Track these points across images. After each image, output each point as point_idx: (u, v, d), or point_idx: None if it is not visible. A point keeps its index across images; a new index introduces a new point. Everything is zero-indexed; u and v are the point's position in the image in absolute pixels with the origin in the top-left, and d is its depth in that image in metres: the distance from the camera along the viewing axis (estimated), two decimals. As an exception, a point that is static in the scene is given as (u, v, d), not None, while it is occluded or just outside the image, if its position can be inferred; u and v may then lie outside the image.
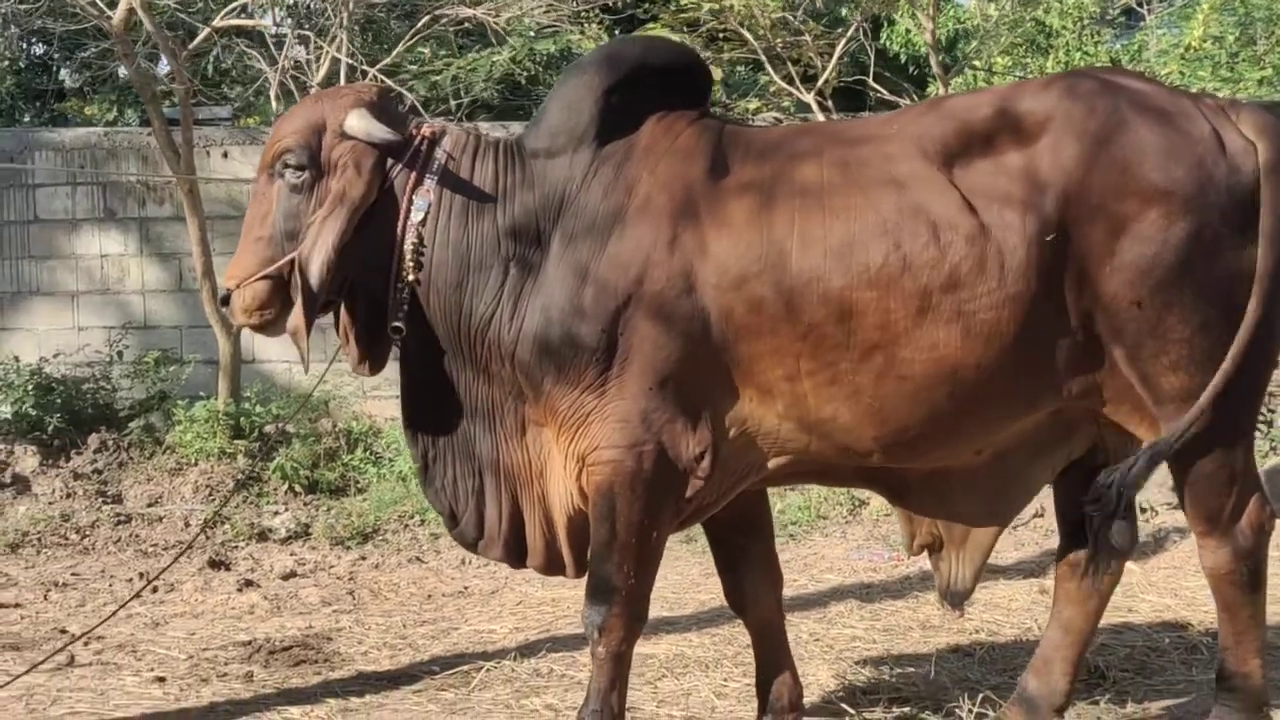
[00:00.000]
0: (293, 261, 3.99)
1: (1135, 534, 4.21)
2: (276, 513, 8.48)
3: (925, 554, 4.27)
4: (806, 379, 3.77)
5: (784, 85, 9.78)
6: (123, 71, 9.83)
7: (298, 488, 8.82)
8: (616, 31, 13.97)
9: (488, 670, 5.27)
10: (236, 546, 7.98)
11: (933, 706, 4.55)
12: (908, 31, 14.06)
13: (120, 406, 9.88)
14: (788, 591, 6.49)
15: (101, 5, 9.07)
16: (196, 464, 8.96)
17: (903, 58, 14.70)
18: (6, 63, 14.42)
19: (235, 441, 9.18)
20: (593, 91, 3.91)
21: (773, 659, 4.38)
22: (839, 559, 7.36)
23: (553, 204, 3.91)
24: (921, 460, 3.98)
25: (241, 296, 4.05)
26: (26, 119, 14.65)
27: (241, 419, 9.31)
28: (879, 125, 4.03)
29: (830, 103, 9.88)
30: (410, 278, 3.96)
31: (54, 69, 14.74)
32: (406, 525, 8.31)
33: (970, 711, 4.40)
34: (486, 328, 3.94)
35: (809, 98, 9.47)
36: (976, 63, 16.50)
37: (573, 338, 3.79)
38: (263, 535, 8.16)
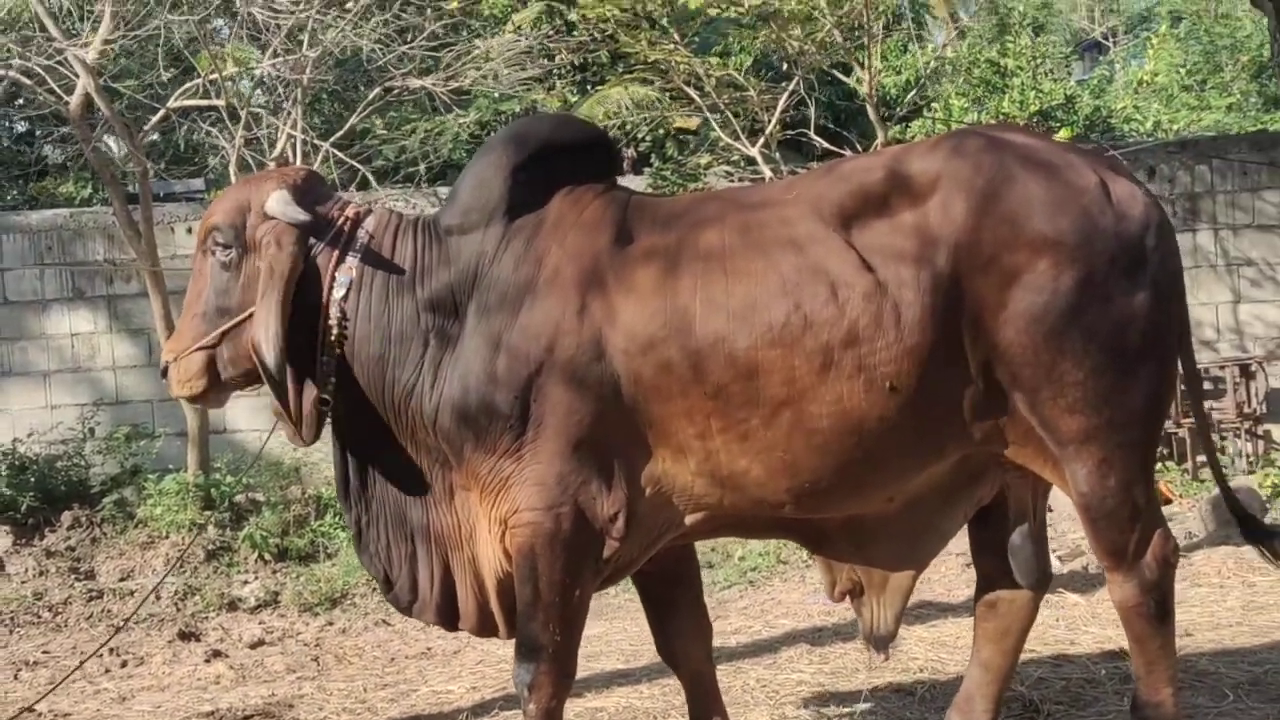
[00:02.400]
0: (223, 334, 4.19)
1: (1046, 568, 4.36)
2: (246, 582, 8.59)
3: (847, 600, 4.40)
4: (718, 436, 3.92)
5: (729, 140, 9.97)
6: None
7: (267, 556, 8.95)
8: (584, 89, 14.22)
9: (442, 731, 5.40)
10: (207, 617, 8.11)
11: (862, 748, 4.67)
12: (879, 72, 14.25)
13: (93, 483, 10.01)
14: (742, 638, 6.69)
15: (59, 91, 9.25)
16: (168, 536, 9.09)
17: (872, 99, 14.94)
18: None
19: (205, 512, 9.31)
20: (501, 170, 4.09)
21: (703, 708, 4.50)
22: (795, 604, 7.49)
23: (467, 278, 4.07)
24: (834, 510, 4.12)
25: (177, 369, 4.28)
26: (9, 196, 14.86)
27: (211, 490, 9.44)
28: (779, 190, 4.20)
29: (777, 155, 10.09)
30: (335, 351, 4.13)
31: (37, 145, 14.91)
32: (374, 589, 8.40)
33: (896, 751, 4.52)
34: (409, 397, 4.10)
35: (754, 151, 9.66)
36: (935, 104, 16.76)
37: (488, 405, 3.95)
38: (233, 605, 8.29)
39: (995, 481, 4.25)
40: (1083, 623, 6.45)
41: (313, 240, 4.17)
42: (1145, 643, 4.10)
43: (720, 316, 3.88)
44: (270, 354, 4.04)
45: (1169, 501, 9.75)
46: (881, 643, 4.37)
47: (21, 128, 15.52)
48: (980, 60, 17.18)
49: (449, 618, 4.30)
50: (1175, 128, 18.48)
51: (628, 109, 11.35)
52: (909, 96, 12.18)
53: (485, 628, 4.28)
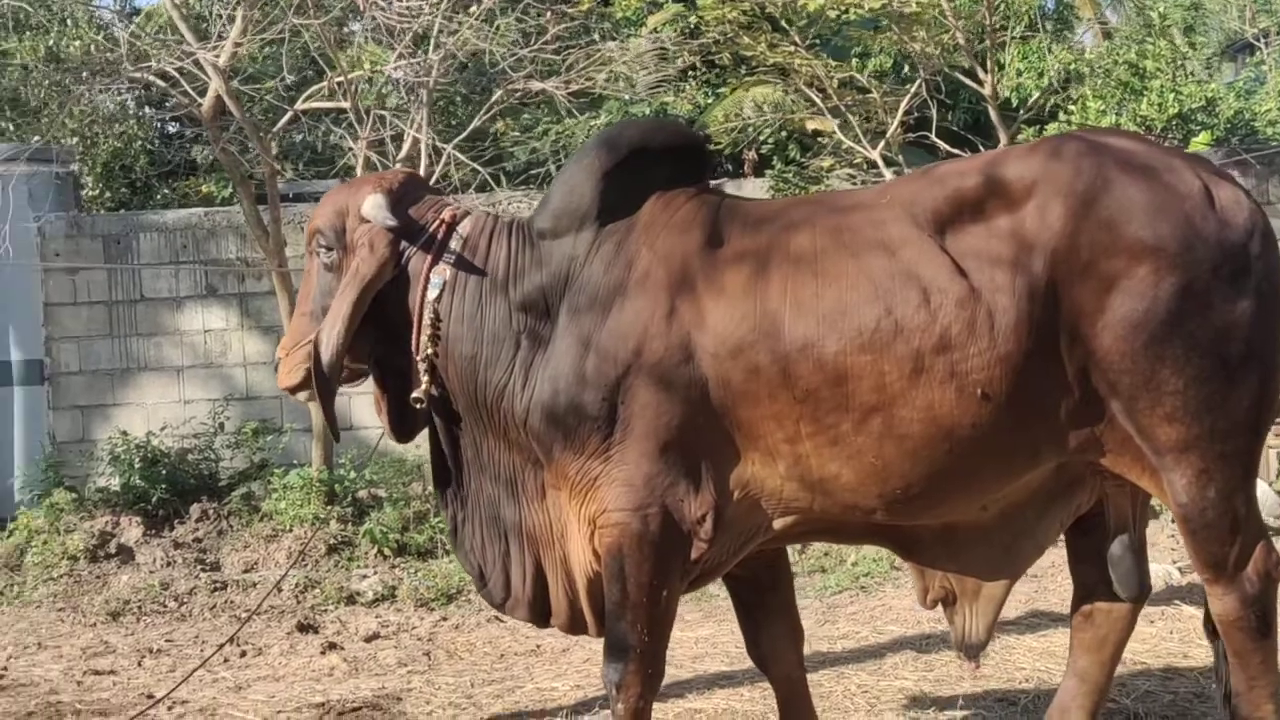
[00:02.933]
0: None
1: (1145, 580, 4.28)
2: (365, 576, 8.74)
3: (940, 607, 4.36)
4: (808, 440, 3.92)
5: (850, 143, 9.92)
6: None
7: (387, 551, 9.09)
8: (714, 91, 14.24)
9: (537, 728, 5.45)
10: (325, 610, 8.26)
11: (956, 757, 4.63)
12: (1019, 74, 14.03)
13: (222, 476, 10.25)
14: (848, 643, 6.66)
15: (193, 94, 9.49)
16: (291, 530, 9.26)
17: (1014, 101, 14.69)
18: (140, 142, 15.01)
19: (328, 507, 9.48)
20: (593, 175, 4.14)
21: (794, 712, 4.50)
22: (905, 610, 7.43)
23: (559, 280, 4.12)
24: (926, 516, 4.10)
25: (286, 364, 4.47)
26: (159, 195, 15.31)
27: (335, 485, 9.62)
28: (873, 194, 4.19)
29: (900, 158, 10.01)
30: (429, 351, 4.21)
31: (187, 147, 15.31)
32: (489, 587, 8.52)
33: (989, 760, 4.48)
34: (501, 397, 4.16)
35: (875, 154, 9.61)
36: (1072, 107, 16.47)
37: (577, 405, 3.99)
38: (351, 599, 8.43)
39: (1094, 490, 4.19)
40: (1197, 636, 6.27)
41: (407, 243, 4.26)
42: (1246, 658, 4.02)
43: (809, 320, 3.87)
44: (327, 353, 4.16)
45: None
46: (973, 651, 4.32)
47: (173, 129, 15.91)
48: (1119, 62, 16.86)
49: (541, 615, 4.36)
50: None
51: (751, 111, 11.34)
52: (1037, 100, 11.97)
53: (575, 625, 4.33)
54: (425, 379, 4.24)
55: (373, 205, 4.23)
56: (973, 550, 4.21)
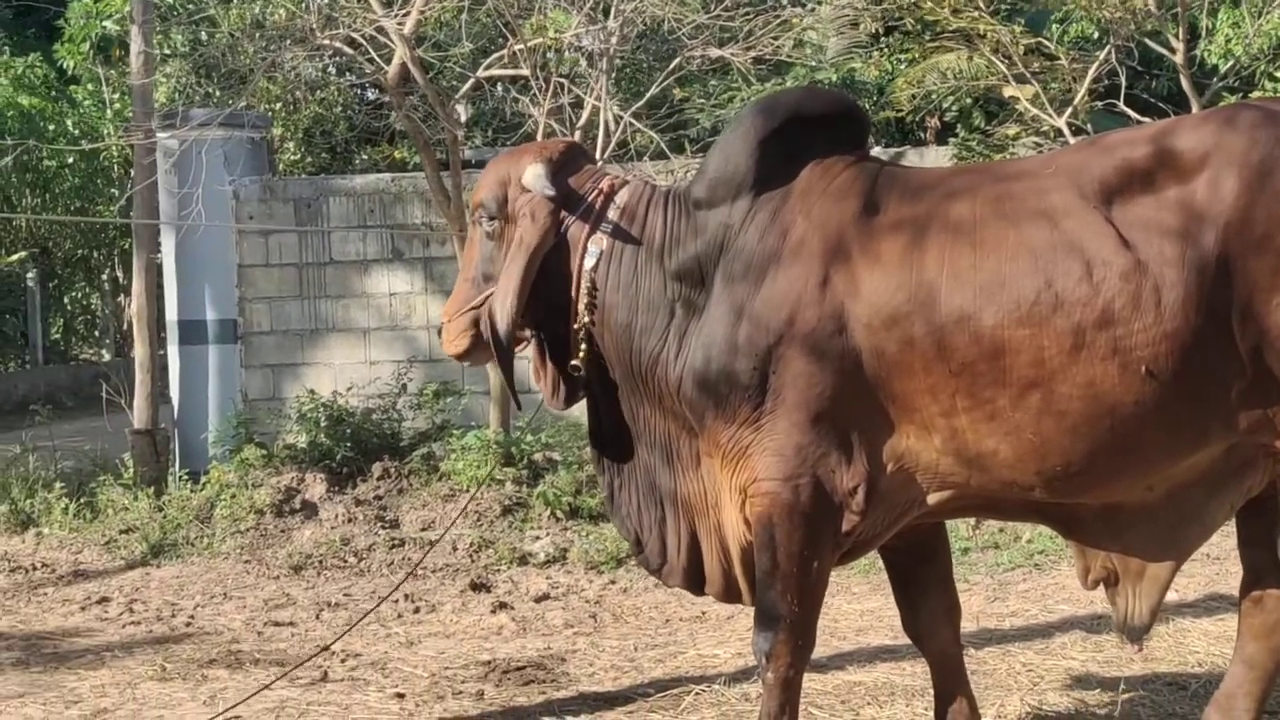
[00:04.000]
0: (487, 298, 4.38)
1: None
2: (538, 538, 8.86)
3: (1102, 588, 4.27)
4: (964, 415, 3.85)
5: (1035, 110, 9.70)
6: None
7: (559, 513, 9.19)
8: (901, 58, 14.05)
9: (698, 694, 5.47)
10: (499, 570, 8.40)
11: (1117, 739, 4.54)
12: (1227, 40, 13.55)
13: (404, 436, 10.46)
14: (1016, 621, 6.56)
15: (380, 61, 9.68)
16: (468, 490, 9.43)
17: (1221, 68, 14.21)
18: (339, 108, 15.40)
19: (505, 469, 9.62)
20: (748, 143, 4.11)
21: (949, 689, 4.44)
22: (1078, 589, 7.20)
23: (714, 249, 4.12)
24: (1088, 495, 4.00)
25: (448, 329, 4.54)
26: (357, 160, 15.70)
27: (511, 447, 9.76)
28: (1039, 163, 4.10)
29: (1088, 126, 9.75)
30: (586, 319, 4.25)
31: (386, 113, 15.69)
32: (657, 551, 8.57)
33: (1148, 746, 4.38)
34: (656, 365, 4.18)
35: (1060, 122, 9.38)
36: (1277, 74, 15.85)
37: (729, 373, 3.99)
38: (523, 559, 8.56)
39: (1266, 472, 4.02)
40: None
41: (566, 212, 4.30)
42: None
43: (967, 291, 3.80)
44: (503, 322, 4.20)
45: None
46: (1135, 634, 4.22)
47: (372, 95, 16.27)
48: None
49: (696, 582, 4.38)
50: None
51: (935, 78, 11.17)
52: (1235, 67, 11.53)
53: (730, 594, 4.33)
54: (583, 347, 4.27)
55: (533, 175, 4.27)
56: (1137, 530, 4.10)
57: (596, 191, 4.33)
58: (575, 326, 4.28)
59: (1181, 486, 4.01)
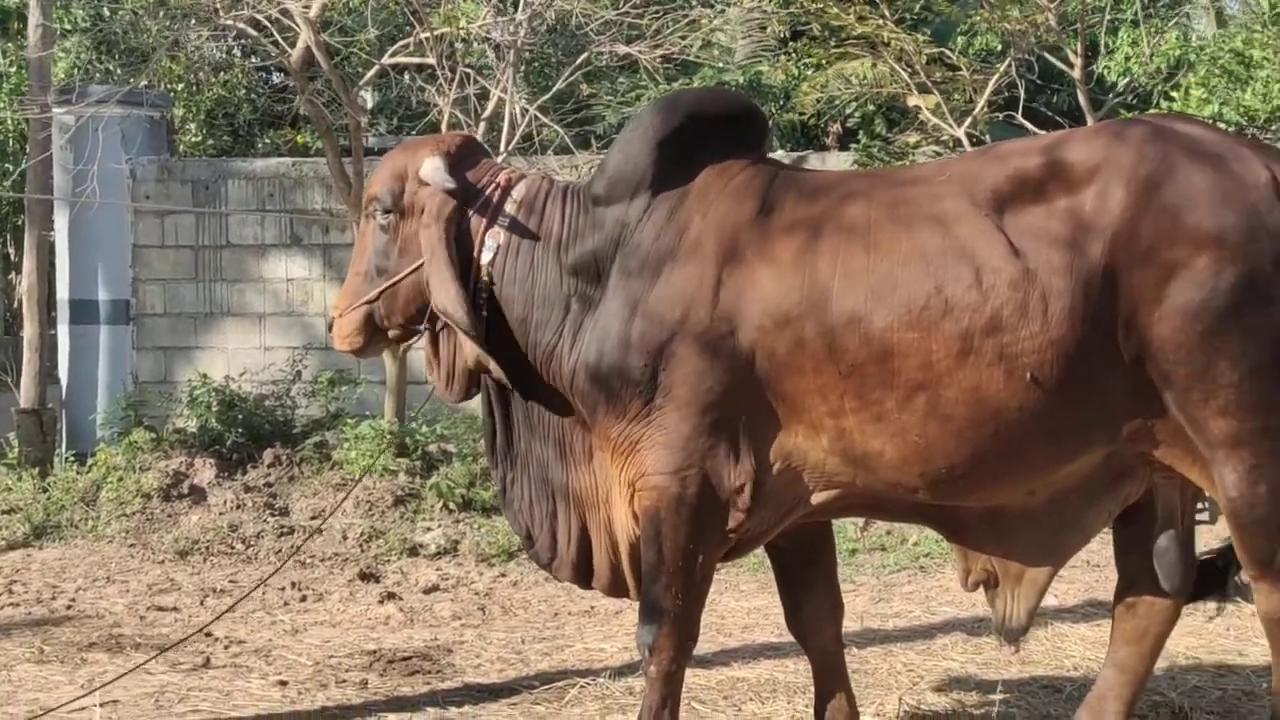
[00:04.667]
0: (381, 293, 4.39)
1: (1190, 574, 4.23)
2: (429, 529, 8.83)
3: (982, 590, 4.34)
4: (851, 416, 3.90)
5: (936, 120, 9.83)
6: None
7: (452, 505, 9.16)
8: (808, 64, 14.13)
9: (582, 687, 5.49)
10: (388, 560, 8.36)
11: (991, 740, 4.62)
12: (1127, 59, 13.76)
13: (297, 424, 10.37)
14: (900, 622, 6.64)
15: (284, 44, 9.59)
16: (360, 480, 9.37)
17: (1119, 86, 14.40)
18: (244, 91, 15.20)
19: (398, 459, 9.57)
20: (648, 142, 4.14)
21: (830, 687, 4.49)
22: (961, 592, 7.33)
23: (611, 245, 4.14)
24: (970, 498, 4.07)
25: (340, 324, 4.50)
26: (259, 145, 15.50)
27: (406, 438, 9.71)
28: (933, 169, 4.16)
29: (986, 137, 9.89)
30: (483, 313, 4.24)
31: (289, 97, 15.51)
32: (550, 545, 8.56)
33: (1022, 746, 4.46)
34: (550, 359, 4.20)
35: (959, 132, 9.51)
36: (1174, 94, 16.16)
37: (621, 368, 4.01)
38: (414, 550, 8.52)
39: (1143, 481, 4.12)
40: (1255, 634, 6.20)
41: (464, 206, 4.30)
42: (1288, 658, 3.97)
43: (858, 294, 3.85)
44: (459, 312, 4.16)
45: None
46: (1013, 635, 4.29)
47: (278, 79, 16.07)
48: (1225, 50, 16.52)
49: (584, 576, 4.40)
50: None
51: (839, 84, 11.26)
52: (1131, 85, 11.76)
53: (617, 588, 4.35)
54: (478, 340, 4.27)
55: (432, 168, 4.26)
56: (1018, 535, 4.17)
57: (494, 185, 4.33)
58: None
59: (1062, 493, 4.09)
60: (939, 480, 3.95)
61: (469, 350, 4.25)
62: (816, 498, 4.07)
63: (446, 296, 4.19)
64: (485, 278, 4.26)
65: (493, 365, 4.23)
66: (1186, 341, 3.74)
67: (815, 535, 4.46)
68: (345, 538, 8.65)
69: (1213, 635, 6.18)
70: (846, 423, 3.90)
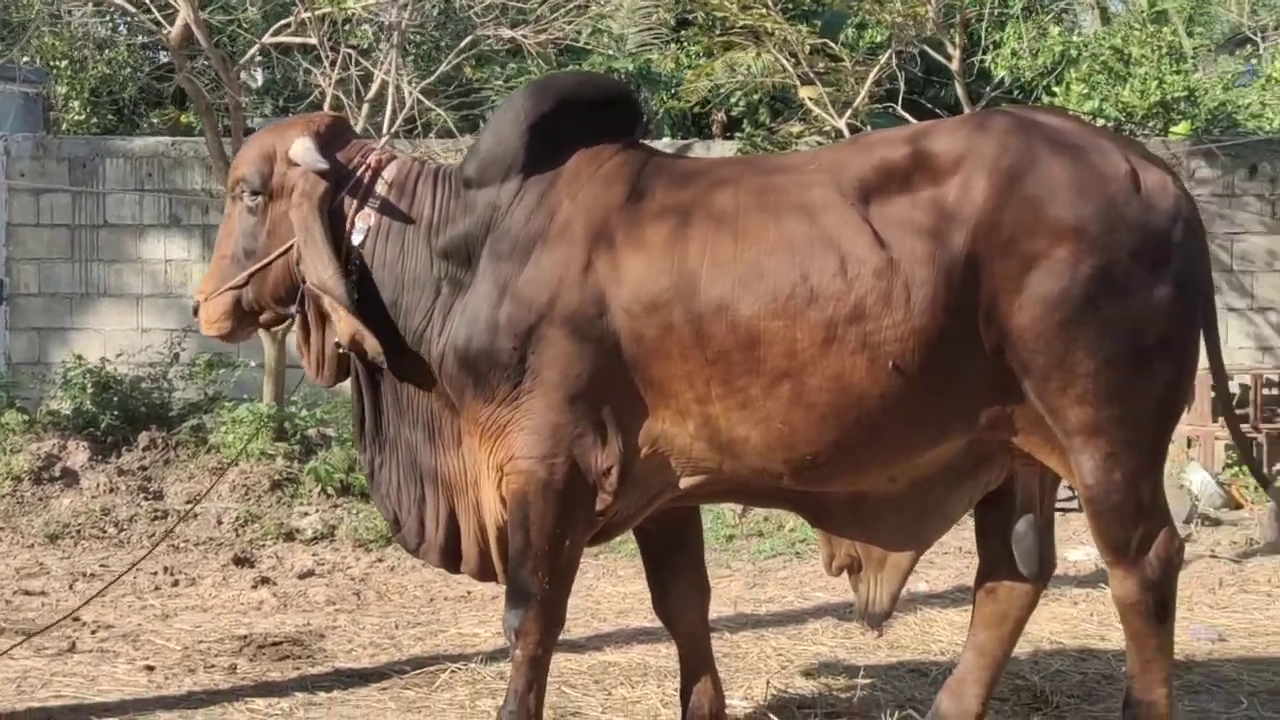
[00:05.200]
0: (249, 276, 4.33)
1: (1049, 559, 4.32)
2: (306, 514, 8.76)
3: (846, 574, 4.39)
4: (718, 402, 3.93)
5: (819, 110, 9.92)
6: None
7: (330, 490, 9.10)
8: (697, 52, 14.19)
9: (453, 671, 5.47)
10: (264, 545, 8.29)
11: (857, 722, 4.68)
12: (1014, 54, 13.95)
13: (173, 406, 10.23)
14: (773, 607, 6.70)
15: (162, 21, 9.44)
16: (236, 464, 9.26)
17: (1006, 80, 14.58)
18: (128, 70, 14.92)
19: (276, 444, 9.48)
20: (519, 125, 4.13)
21: (696, 670, 4.52)
22: (837, 579, 7.45)
23: (481, 228, 4.13)
24: (833, 484, 4.12)
25: (205, 309, 4.43)
26: (144, 124, 15.23)
27: (284, 422, 9.62)
28: (802, 159, 4.22)
29: (868, 128, 10.00)
30: (354, 295, 4.21)
31: (173, 76, 15.25)
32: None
33: (888, 727, 4.52)
34: (420, 342, 4.19)
35: (841, 123, 9.61)
36: (1056, 89, 16.44)
37: (489, 352, 4.01)
38: (290, 535, 8.46)
39: (1004, 468, 4.20)
40: (1117, 620, 6.33)
41: (334, 187, 4.26)
42: (1142, 640, 4.06)
43: (726, 281, 3.88)
44: (337, 287, 4.12)
45: (1239, 506, 9.57)
46: (875, 619, 4.36)
47: (164, 57, 15.81)
48: (1106, 47, 16.82)
49: (452, 560, 4.39)
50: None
51: (723, 74, 11.33)
52: (1013, 80, 11.94)
53: (484, 572, 4.35)
54: (354, 313, 4.24)
55: (303, 148, 4.22)
56: (881, 520, 4.24)
57: (365, 166, 4.30)
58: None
59: (924, 479, 4.15)
60: (803, 466, 3.99)
61: (344, 327, 4.18)
62: (684, 482, 4.10)
63: (323, 271, 4.15)
64: (356, 260, 4.23)
65: (369, 340, 4.16)
66: (1045, 331, 3.82)
67: (682, 520, 4.49)
68: (220, 522, 8.55)
69: (1076, 620, 6.32)
70: (713, 409, 3.94)
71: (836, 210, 3.91)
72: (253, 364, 10.78)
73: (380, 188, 4.27)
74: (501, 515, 4.17)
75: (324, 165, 4.21)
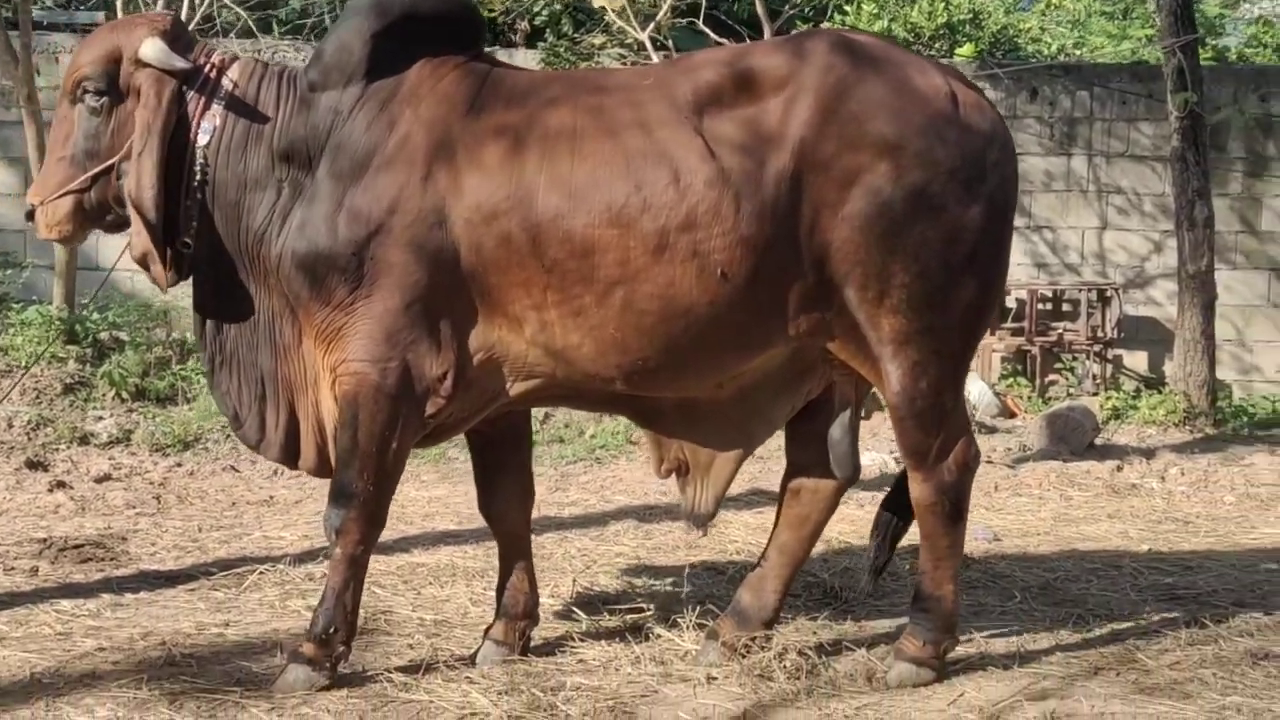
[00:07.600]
0: (93, 178, 4.28)
1: (857, 463, 4.55)
2: (101, 418, 8.62)
3: (674, 477, 4.55)
4: (552, 310, 4.05)
5: (621, 22, 9.98)
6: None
7: (125, 394, 8.97)
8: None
9: (261, 573, 5.50)
10: (57, 449, 8.15)
11: (662, 617, 4.85)
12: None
13: (-43, 309, 9.92)
14: (575, 510, 6.87)
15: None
16: (27, 368, 9.05)
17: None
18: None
19: (68, 347, 9.28)
20: (362, 35, 4.18)
21: (514, 567, 4.63)
22: (634, 482, 7.70)
23: (322, 133, 4.17)
24: (663, 390, 4.28)
25: (44, 213, 4.36)
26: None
27: (76, 325, 9.41)
28: (636, 75, 4.34)
29: (670, 42, 10.12)
30: (198, 195, 4.22)
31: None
32: (229, 435, 8.40)
33: (691, 622, 4.70)
34: (260, 243, 4.21)
35: (643, 36, 9.70)
36: (847, 7, 16.74)
37: (327, 257, 4.07)
38: (85, 439, 8.32)
39: (823, 378, 4.44)
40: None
41: (183, 88, 4.23)
42: (935, 540, 4.33)
43: (561, 193, 3.99)
44: (151, 206, 4.12)
45: (1013, 415, 10.08)
46: (700, 521, 4.54)
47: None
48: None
49: (291, 456, 4.42)
50: (1079, 53, 18.65)
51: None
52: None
53: (323, 469, 4.39)
54: (194, 223, 4.25)
55: (156, 48, 4.18)
56: (709, 424, 4.43)
57: (210, 66, 4.29)
58: (187, 203, 4.24)
59: (749, 387, 4.37)
60: (633, 372, 4.15)
61: (139, 243, 4.20)
62: (517, 388, 4.22)
63: (145, 184, 4.15)
64: (201, 160, 4.22)
65: (155, 266, 4.21)
66: (864, 243, 4.03)
67: (514, 423, 4.60)
68: (11, 425, 8.36)
69: (863, 522, 6.57)
70: (548, 316, 4.06)
71: (670, 126, 4.05)
72: (40, 264, 10.50)
73: (225, 88, 4.25)
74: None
75: (183, 64, 4.20)
